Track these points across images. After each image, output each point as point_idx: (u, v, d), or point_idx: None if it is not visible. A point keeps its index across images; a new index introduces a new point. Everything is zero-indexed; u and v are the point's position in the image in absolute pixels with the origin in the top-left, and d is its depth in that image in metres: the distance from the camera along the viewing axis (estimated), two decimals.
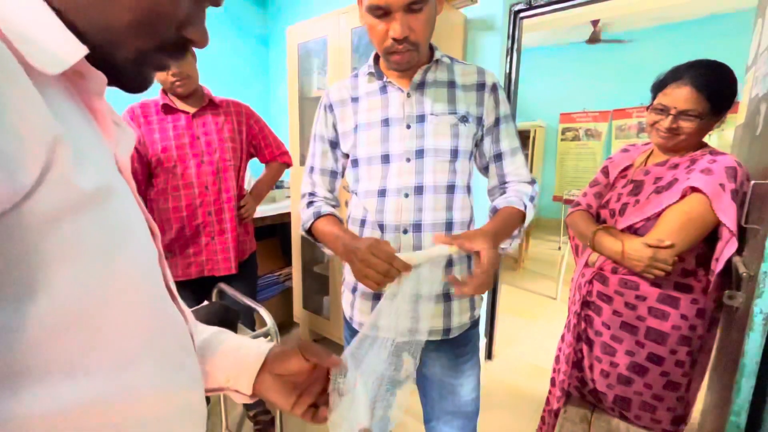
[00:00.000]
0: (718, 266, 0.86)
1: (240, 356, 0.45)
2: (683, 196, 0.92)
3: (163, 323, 0.32)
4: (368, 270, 0.65)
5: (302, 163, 2.12)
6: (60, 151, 0.23)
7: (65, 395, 0.24)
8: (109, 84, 0.30)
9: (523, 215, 0.81)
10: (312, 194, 0.92)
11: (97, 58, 0.27)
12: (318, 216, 0.86)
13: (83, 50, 0.25)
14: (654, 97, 1.02)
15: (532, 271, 3.71)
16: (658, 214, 0.95)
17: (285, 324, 2.40)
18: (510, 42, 1.85)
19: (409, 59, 0.74)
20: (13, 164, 0.21)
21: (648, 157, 1.10)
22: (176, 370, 0.33)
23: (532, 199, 0.83)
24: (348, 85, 0.88)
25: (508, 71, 1.88)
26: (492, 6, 1.79)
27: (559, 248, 4.49)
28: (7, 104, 0.20)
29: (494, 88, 0.83)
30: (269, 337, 1.13)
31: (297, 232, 2.21)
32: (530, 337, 2.41)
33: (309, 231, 0.89)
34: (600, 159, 4.91)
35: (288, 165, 1.60)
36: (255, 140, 1.48)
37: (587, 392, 1.12)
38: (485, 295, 0.95)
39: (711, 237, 0.91)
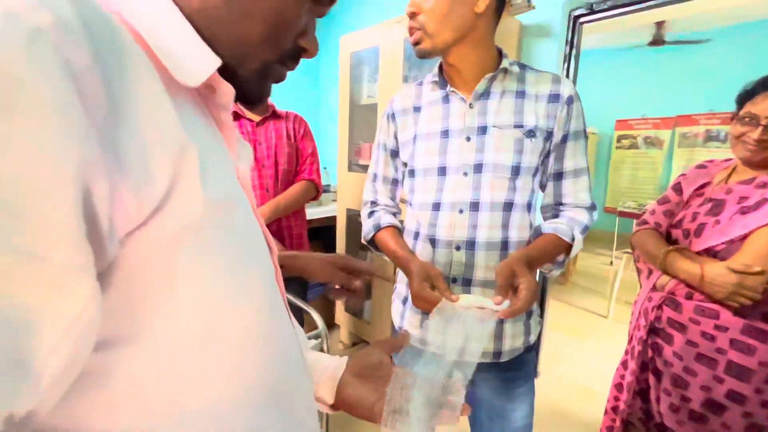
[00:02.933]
0: None
1: (320, 367, 0.45)
2: None
3: (282, 341, 0.31)
4: (423, 304, 0.71)
5: (350, 168, 2.17)
6: (188, 162, 0.22)
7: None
8: None
9: (569, 246, 0.78)
10: (374, 203, 0.94)
11: (224, 71, 0.28)
12: (378, 229, 0.88)
13: (217, 62, 0.26)
14: (740, 108, 0.94)
15: (581, 286, 3.51)
16: (744, 237, 0.87)
17: (326, 326, 2.45)
18: (568, 48, 1.77)
19: (417, 39, 0.73)
20: (141, 174, 0.19)
21: (730, 174, 1.00)
22: (296, 392, 0.32)
23: (585, 229, 0.79)
24: (412, 94, 0.87)
25: (564, 78, 1.80)
26: (550, 12, 1.73)
27: (611, 263, 4.22)
28: (137, 110, 0.20)
29: (570, 100, 0.76)
30: (319, 340, 1.16)
31: (342, 235, 2.25)
32: (579, 356, 2.28)
33: (370, 241, 0.91)
34: (661, 169, 4.56)
35: (317, 191, 1.53)
36: (299, 154, 1.50)
37: (652, 425, 1.04)
38: (541, 320, 0.91)
39: None
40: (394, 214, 0.94)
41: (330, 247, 2.43)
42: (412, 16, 0.72)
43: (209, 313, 0.23)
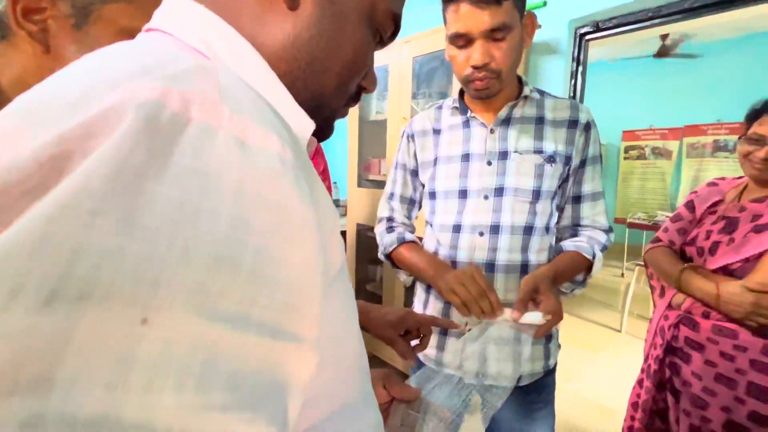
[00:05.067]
0: None
1: None
2: None
3: (364, 355, 0.33)
4: (461, 288, 0.69)
5: (360, 183, 2.20)
6: (337, 227, 0.26)
7: None
8: None
9: (590, 264, 0.79)
10: (390, 219, 0.94)
11: None
12: (402, 242, 0.88)
13: (312, 125, 0.28)
14: (748, 127, 0.95)
15: (592, 299, 3.47)
16: (759, 255, 0.86)
17: None
18: (575, 64, 1.80)
19: (488, 86, 0.72)
20: (324, 257, 0.23)
21: (742, 192, 1.00)
22: (371, 393, 0.34)
23: (604, 248, 0.81)
24: (431, 117, 0.88)
25: (572, 94, 1.82)
26: (556, 30, 1.76)
27: (622, 275, 4.17)
28: (316, 196, 0.23)
29: (588, 126, 0.79)
30: None
31: (352, 250, 2.26)
32: (592, 372, 2.25)
33: (388, 255, 0.91)
34: (670, 179, 4.54)
35: None
36: None
37: None
38: (561, 343, 0.90)
39: None
40: (411, 233, 0.95)
41: None
42: (484, 66, 0.70)
43: (336, 345, 0.27)
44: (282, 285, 0.19)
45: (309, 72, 0.28)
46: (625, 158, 4.92)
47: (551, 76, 1.81)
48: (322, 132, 0.34)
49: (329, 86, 0.30)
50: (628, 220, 4.08)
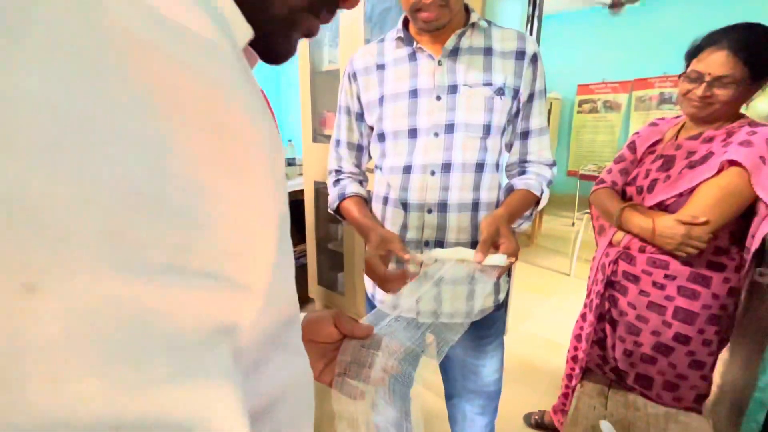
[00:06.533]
0: (754, 243, 0.83)
1: None
2: (720, 171, 0.87)
3: None
4: (370, 274, 0.71)
5: (315, 139, 2.09)
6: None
7: None
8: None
9: (538, 200, 0.80)
10: (338, 170, 0.90)
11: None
12: (342, 198, 0.85)
13: (250, 33, 0.22)
14: (688, 65, 0.96)
15: (545, 247, 3.68)
16: (691, 190, 0.91)
17: (300, 300, 2.41)
18: (531, 8, 1.75)
19: (438, 16, 0.68)
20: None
21: (679, 131, 1.04)
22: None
23: (549, 183, 0.83)
24: (374, 51, 0.82)
25: (528, 35, 1.79)
26: None
27: (573, 224, 4.43)
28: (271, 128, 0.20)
29: (535, 58, 0.76)
30: None
31: (311, 210, 2.20)
32: (544, 312, 2.42)
33: (337, 211, 0.88)
34: (618, 132, 4.74)
35: None
36: None
37: (608, 370, 1.12)
38: (509, 279, 0.93)
39: (746, 213, 0.88)
40: (360, 182, 0.91)
41: (299, 222, 2.38)
42: None
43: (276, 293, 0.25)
44: (223, 227, 0.16)
45: None
46: (578, 112, 5.06)
47: (508, 20, 1.75)
48: (282, 47, 0.26)
49: None
50: (579, 173, 4.27)
